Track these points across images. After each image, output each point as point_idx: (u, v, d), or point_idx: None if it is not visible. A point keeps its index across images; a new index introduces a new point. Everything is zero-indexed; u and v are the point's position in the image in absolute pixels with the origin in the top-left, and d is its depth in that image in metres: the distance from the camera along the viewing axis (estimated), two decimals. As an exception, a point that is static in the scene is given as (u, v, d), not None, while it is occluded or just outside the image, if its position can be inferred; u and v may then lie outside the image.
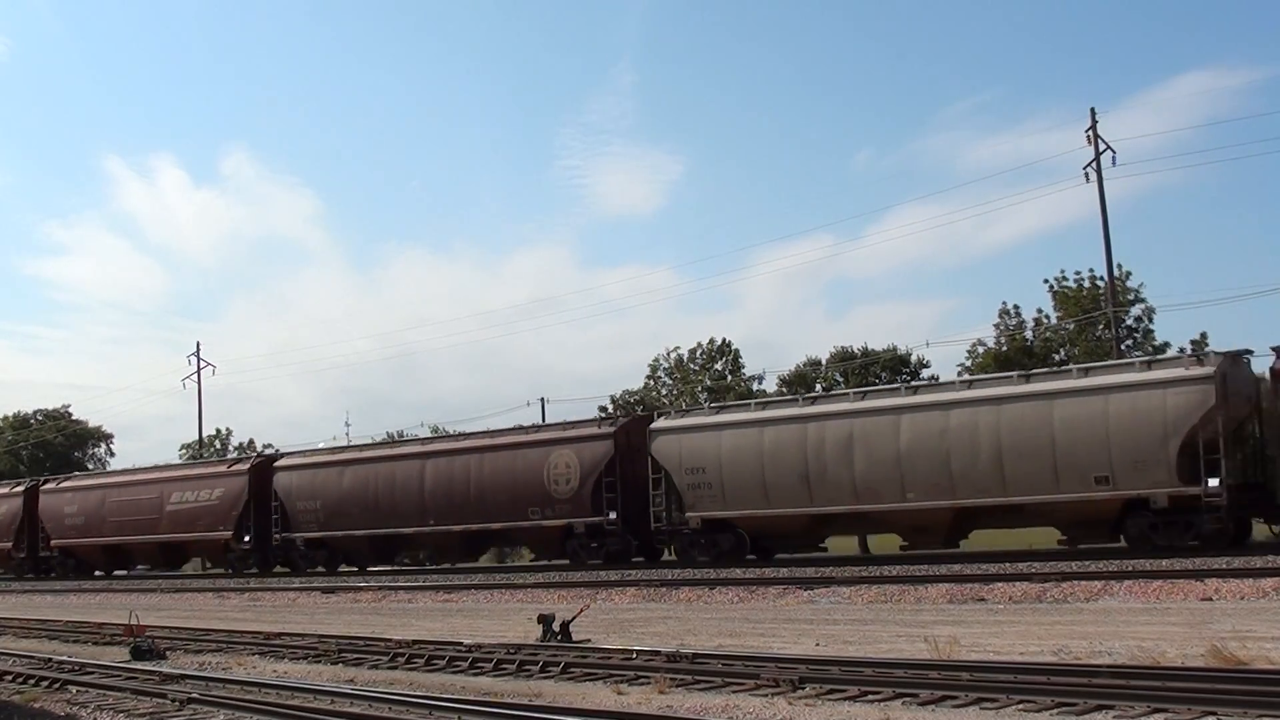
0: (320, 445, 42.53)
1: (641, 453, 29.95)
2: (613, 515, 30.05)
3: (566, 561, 31.98)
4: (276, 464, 38.43)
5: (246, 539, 38.17)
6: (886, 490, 25.94)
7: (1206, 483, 22.41)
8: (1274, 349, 23.88)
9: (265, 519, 37.87)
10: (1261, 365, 24.37)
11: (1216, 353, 24.29)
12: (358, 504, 35.31)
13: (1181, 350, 44.44)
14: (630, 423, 31.71)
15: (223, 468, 41.29)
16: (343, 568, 37.55)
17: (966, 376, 35.61)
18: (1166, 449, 22.73)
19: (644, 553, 31.42)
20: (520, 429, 34.36)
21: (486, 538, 34.72)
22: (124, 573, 45.55)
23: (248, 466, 39.39)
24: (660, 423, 30.19)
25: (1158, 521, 23.29)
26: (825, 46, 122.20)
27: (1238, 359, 24.33)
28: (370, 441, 44.40)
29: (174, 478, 41.66)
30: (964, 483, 24.98)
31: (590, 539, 30.82)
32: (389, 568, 37.93)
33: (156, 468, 45.76)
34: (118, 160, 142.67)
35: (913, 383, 33.41)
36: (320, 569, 37.00)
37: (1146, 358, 30.21)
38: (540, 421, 42.19)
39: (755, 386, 56.95)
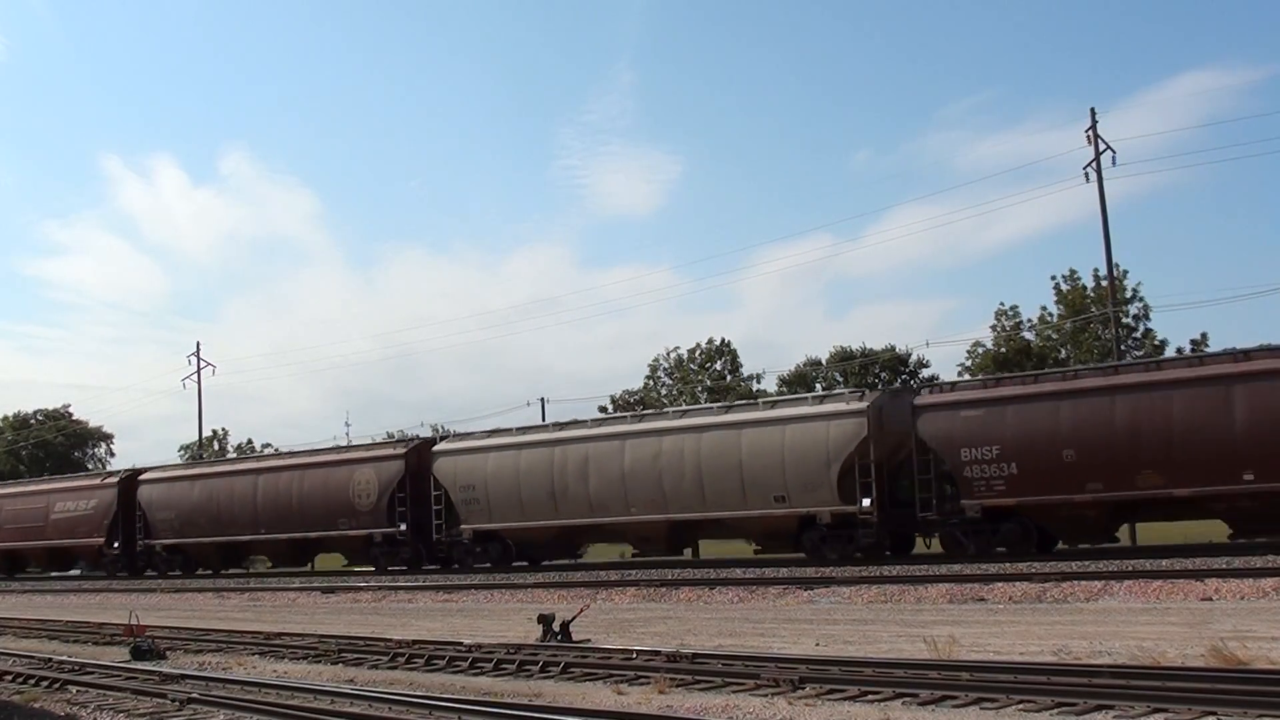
0: (232, 455, 45.55)
1: (428, 471, 33.80)
2: (403, 526, 34.01)
3: (372, 568, 35.77)
4: (141, 478, 42.33)
5: (115, 544, 42.25)
6: (614, 505, 29.89)
7: (861, 502, 26.05)
8: (919, 386, 28.25)
9: (131, 527, 41.89)
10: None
11: (877, 389, 30.16)
12: (205, 514, 39.33)
13: (1180, 350, 44.54)
14: (420, 445, 35.29)
15: (96, 480, 45.30)
16: (199, 571, 41.40)
17: (683, 406, 40.61)
18: (829, 473, 26.38)
19: (434, 559, 34.77)
20: (334, 449, 38.90)
21: (308, 545, 38.12)
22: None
23: (116, 480, 43.16)
24: (441, 445, 34.24)
25: (827, 535, 26.71)
26: (824, 46, 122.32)
27: (898, 394, 28.94)
28: (244, 455, 49.94)
29: (57, 489, 45.72)
30: (674, 500, 28.87)
31: (389, 546, 34.77)
32: (238, 571, 41.59)
33: (40, 479, 52.03)
34: (116, 160, 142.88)
35: (640, 411, 37.33)
36: (178, 572, 40.83)
37: (819, 394, 34.21)
38: (546, 419, 45.44)
39: (754, 386, 57.03)
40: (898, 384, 48.41)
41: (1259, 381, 22.45)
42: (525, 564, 33.15)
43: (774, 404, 30.14)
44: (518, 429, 34.50)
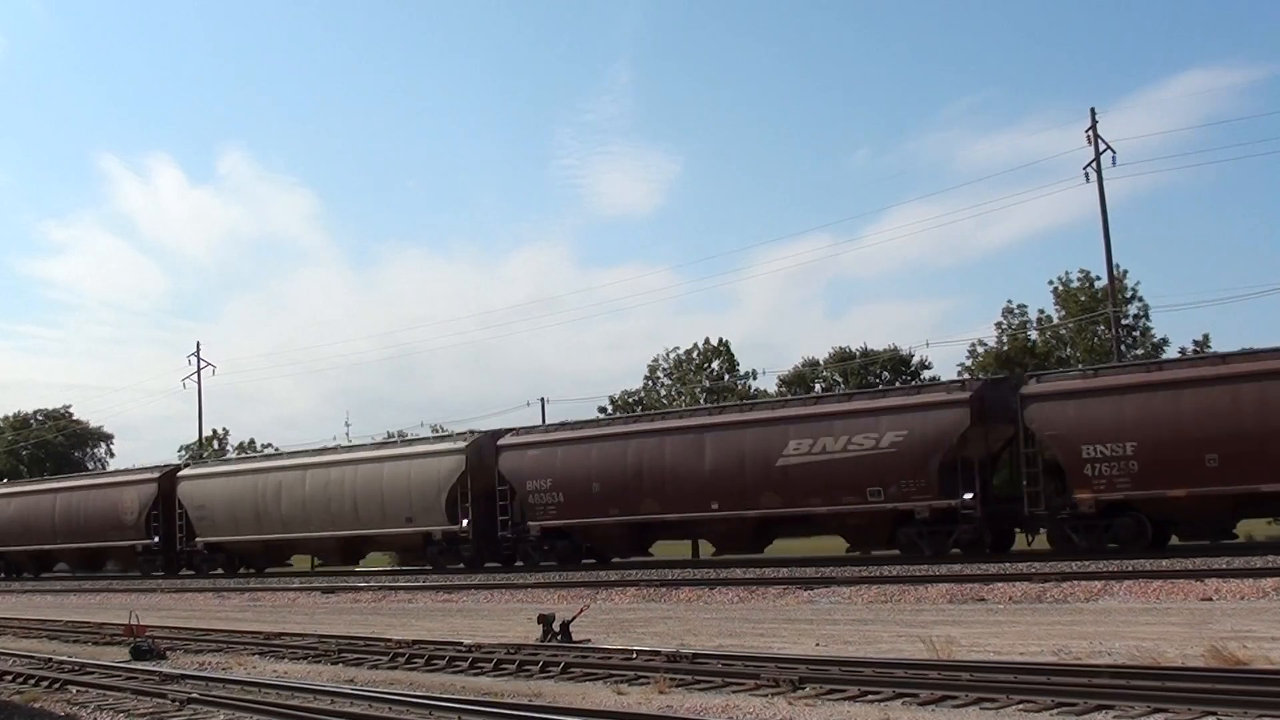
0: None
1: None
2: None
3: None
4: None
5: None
6: (297, 524, 37.27)
7: (462, 523, 33.30)
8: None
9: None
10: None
11: (467, 432, 36.01)
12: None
13: (1183, 350, 44.53)
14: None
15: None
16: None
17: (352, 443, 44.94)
18: (440, 499, 33.47)
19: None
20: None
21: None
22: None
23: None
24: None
25: (446, 547, 34.04)
26: (822, 45, 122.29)
27: (491, 437, 34.26)
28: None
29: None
30: (340, 520, 36.08)
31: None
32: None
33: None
34: (114, 159, 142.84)
35: (326, 446, 41.97)
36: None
37: (442, 434, 41.40)
38: (547, 419, 45.96)
39: (751, 386, 57.06)
40: (897, 384, 48.38)
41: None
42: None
43: (410, 443, 38.69)
44: (259, 455, 38.31)
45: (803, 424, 27.57)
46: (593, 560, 32.23)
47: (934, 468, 25.43)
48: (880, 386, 34.03)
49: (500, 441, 33.45)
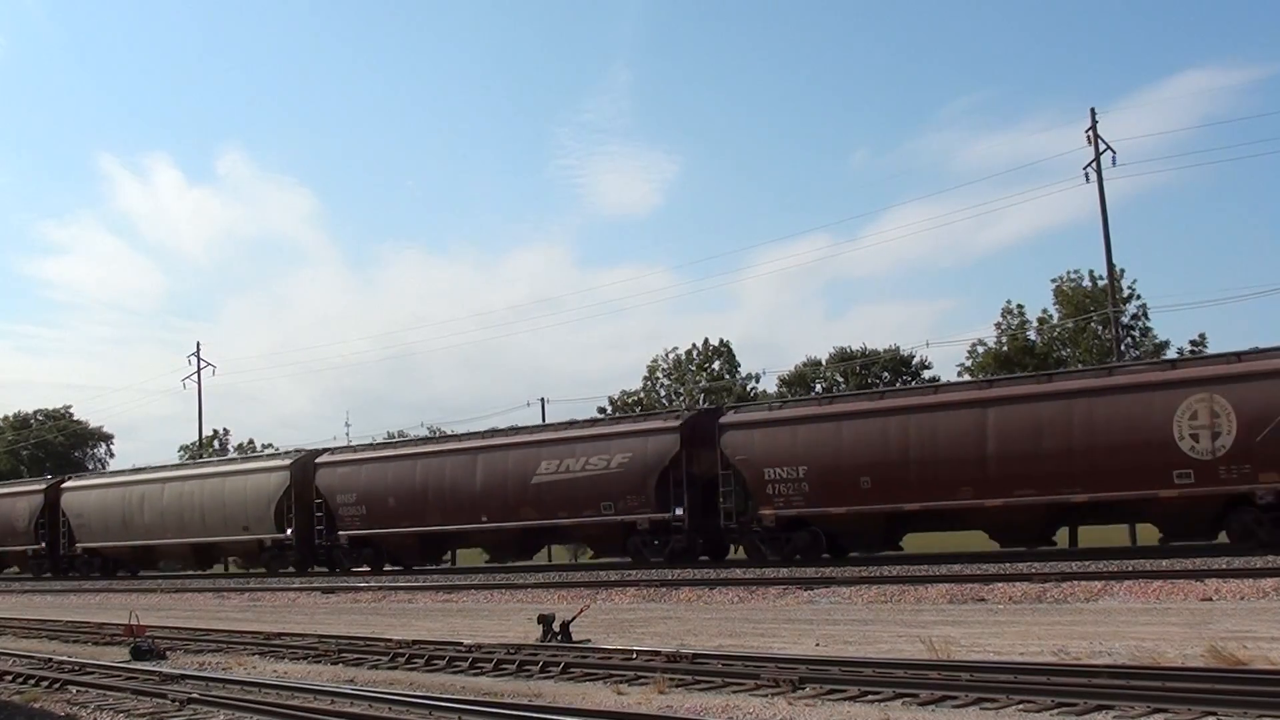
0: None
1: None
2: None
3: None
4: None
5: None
6: (157, 532, 41.20)
7: (287, 531, 36.93)
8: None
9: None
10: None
11: (294, 450, 39.79)
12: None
13: (1180, 350, 44.54)
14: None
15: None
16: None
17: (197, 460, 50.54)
18: (270, 510, 37.30)
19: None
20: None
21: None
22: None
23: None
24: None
25: (276, 553, 37.80)
26: (821, 45, 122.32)
27: (312, 456, 37.81)
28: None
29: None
30: (191, 528, 40.07)
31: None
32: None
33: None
34: (112, 159, 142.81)
35: (184, 461, 48.53)
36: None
37: (274, 453, 45.85)
38: (547, 419, 44.58)
39: (753, 386, 57.11)
40: (898, 384, 48.43)
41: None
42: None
43: (247, 459, 46.42)
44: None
45: (553, 447, 31.43)
46: (399, 567, 35.92)
47: (652, 485, 29.18)
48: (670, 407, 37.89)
49: (318, 460, 37.26)
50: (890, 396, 29.58)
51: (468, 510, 32.71)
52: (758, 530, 28.25)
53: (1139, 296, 48.03)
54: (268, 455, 44.63)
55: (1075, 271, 49.60)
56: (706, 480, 29.13)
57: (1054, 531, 26.78)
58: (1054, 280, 49.87)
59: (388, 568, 35.82)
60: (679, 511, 28.92)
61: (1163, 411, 23.32)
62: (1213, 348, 43.70)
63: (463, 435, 36.96)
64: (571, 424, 33.76)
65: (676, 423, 29.93)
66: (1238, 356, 23.78)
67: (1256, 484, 22.27)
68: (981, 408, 25.86)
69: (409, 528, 34.29)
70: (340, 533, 35.72)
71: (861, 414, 27.35)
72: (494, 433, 34.84)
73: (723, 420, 29.22)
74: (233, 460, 44.72)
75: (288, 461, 38.25)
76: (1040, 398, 25.33)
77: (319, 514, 36.45)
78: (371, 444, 40.09)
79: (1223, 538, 24.03)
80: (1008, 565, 23.06)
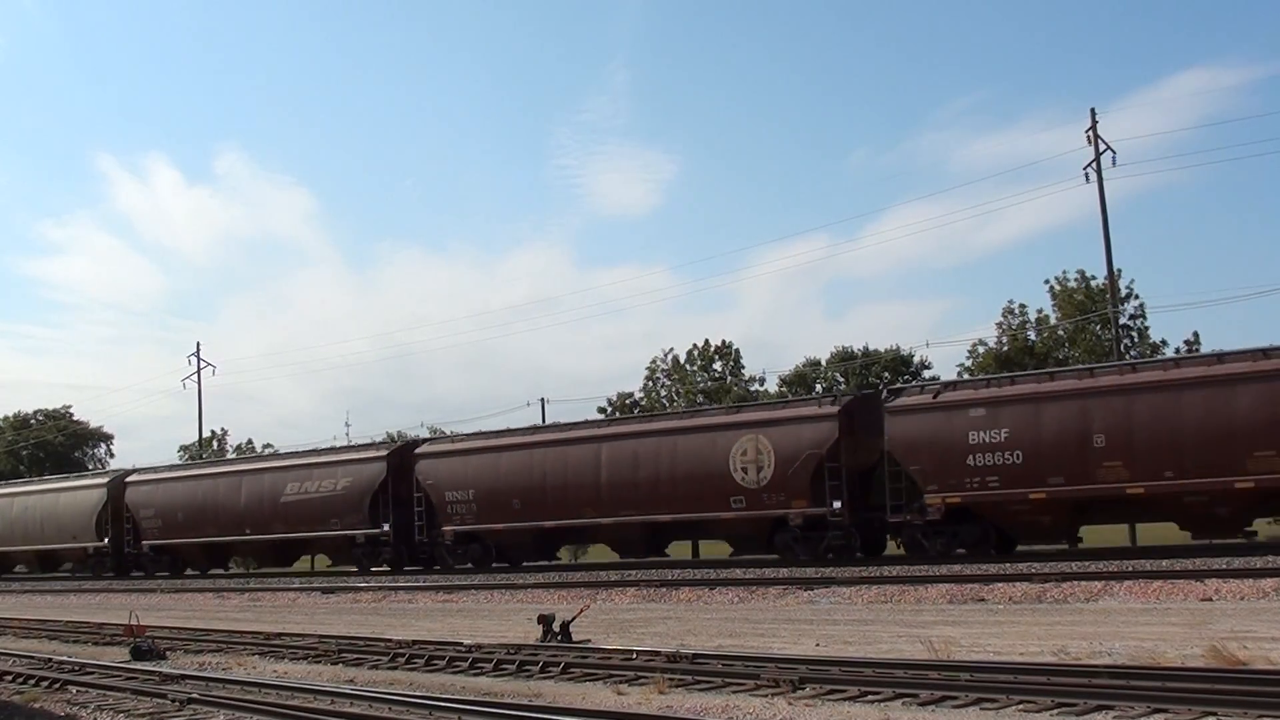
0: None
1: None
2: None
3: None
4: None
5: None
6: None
7: (104, 540, 43.29)
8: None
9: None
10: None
11: (118, 469, 47.55)
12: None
13: (1177, 350, 44.56)
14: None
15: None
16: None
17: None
18: (92, 522, 43.43)
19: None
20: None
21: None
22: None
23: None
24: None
25: (99, 560, 43.62)
26: (820, 44, 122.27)
27: (122, 477, 43.93)
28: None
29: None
30: (33, 537, 45.68)
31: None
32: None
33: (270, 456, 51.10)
34: (110, 159, 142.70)
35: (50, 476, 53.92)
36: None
37: (97, 471, 54.59)
38: (548, 419, 45.31)
39: (755, 388, 57.07)
40: (899, 384, 48.41)
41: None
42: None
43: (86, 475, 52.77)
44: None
45: (296, 471, 37.95)
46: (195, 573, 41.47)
47: (367, 505, 35.13)
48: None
49: (127, 479, 43.93)
50: (536, 433, 34.43)
51: (236, 524, 39.16)
52: (443, 543, 33.92)
53: (1137, 296, 48.06)
54: (93, 473, 50.81)
55: (1077, 272, 49.61)
56: (405, 501, 34.93)
57: (663, 546, 32.02)
58: (1046, 282, 49.91)
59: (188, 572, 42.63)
60: (386, 527, 34.93)
61: (723, 449, 28.46)
62: (1211, 347, 43.61)
63: (255, 456, 46.26)
64: (311, 452, 40.26)
65: (384, 453, 36.46)
66: (783, 404, 31.05)
67: (790, 509, 27.55)
68: (598, 443, 31.31)
69: (196, 539, 40.82)
70: (143, 541, 42.54)
71: (513, 447, 33.19)
72: (255, 457, 45.29)
73: (418, 451, 35.49)
74: (324, 452, 40.12)
75: (104, 480, 44.94)
76: (639, 435, 31.07)
77: (126, 525, 43.24)
78: (178, 465, 50.70)
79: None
80: (1008, 565, 23.07)
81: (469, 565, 33.54)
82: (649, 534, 30.54)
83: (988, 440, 25.36)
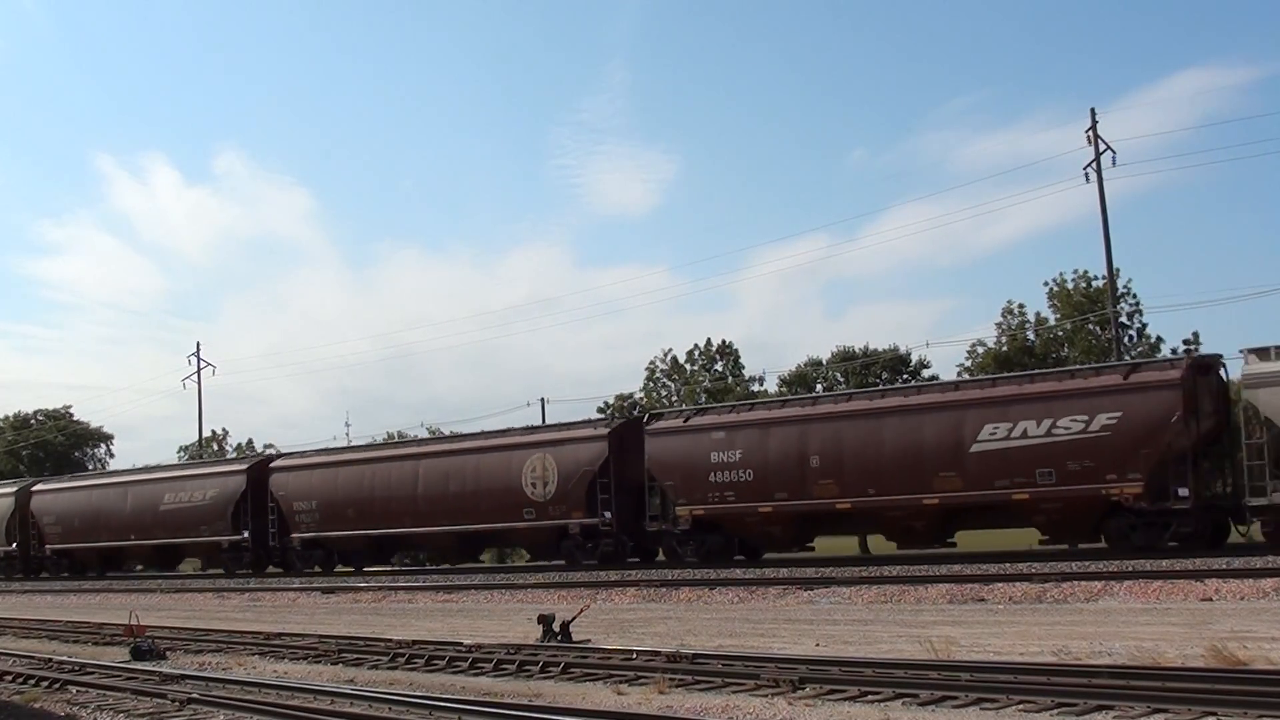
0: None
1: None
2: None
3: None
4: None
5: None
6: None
7: (12, 545, 46.58)
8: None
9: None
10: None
11: (19, 481, 50.90)
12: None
13: (1174, 350, 44.57)
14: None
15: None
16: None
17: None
18: (2, 526, 46.79)
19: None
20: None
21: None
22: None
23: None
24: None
25: (7, 563, 47.24)
26: (819, 44, 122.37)
27: (29, 485, 48.17)
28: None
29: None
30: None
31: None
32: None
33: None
34: (109, 159, 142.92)
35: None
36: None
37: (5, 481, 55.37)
38: (546, 419, 45.79)
39: (755, 387, 57.11)
40: (898, 384, 48.41)
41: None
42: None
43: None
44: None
45: (175, 483, 41.59)
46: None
47: (230, 514, 38.87)
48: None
49: (32, 489, 47.16)
50: (368, 450, 39.08)
51: (124, 530, 42.87)
52: (293, 548, 37.43)
53: (1134, 296, 48.08)
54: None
55: (1073, 272, 49.66)
56: (262, 510, 38.61)
57: (476, 553, 36.80)
58: (1046, 284, 49.94)
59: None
60: (245, 534, 38.73)
61: (517, 466, 31.86)
62: (1212, 348, 43.66)
63: (121, 471, 50.27)
64: (186, 464, 48.10)
65: (244, 467, 40.36)
66: (566, 426, 33.72)
67: (570, 519, 30.93)
68: (416, 460, 35.26)
69: (90, 543, 44.22)
70: (46, 546, 45.97)
71: (349, 463, 37.02)
72: (140, 469, 47.67)
73: (272, 465, 39.27)
74: (195, 465, 46.38)
75: (12, 489, 48.26)
76: (450, 454, 34.79)
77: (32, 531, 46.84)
78: (78, 474, 55.85)
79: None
80: (1008, 565, 23.06)
81: (316, 569, 37.84)
82: (460, 542, 34.99)
83: (726, 460, 28.43)
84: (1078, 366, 34.31)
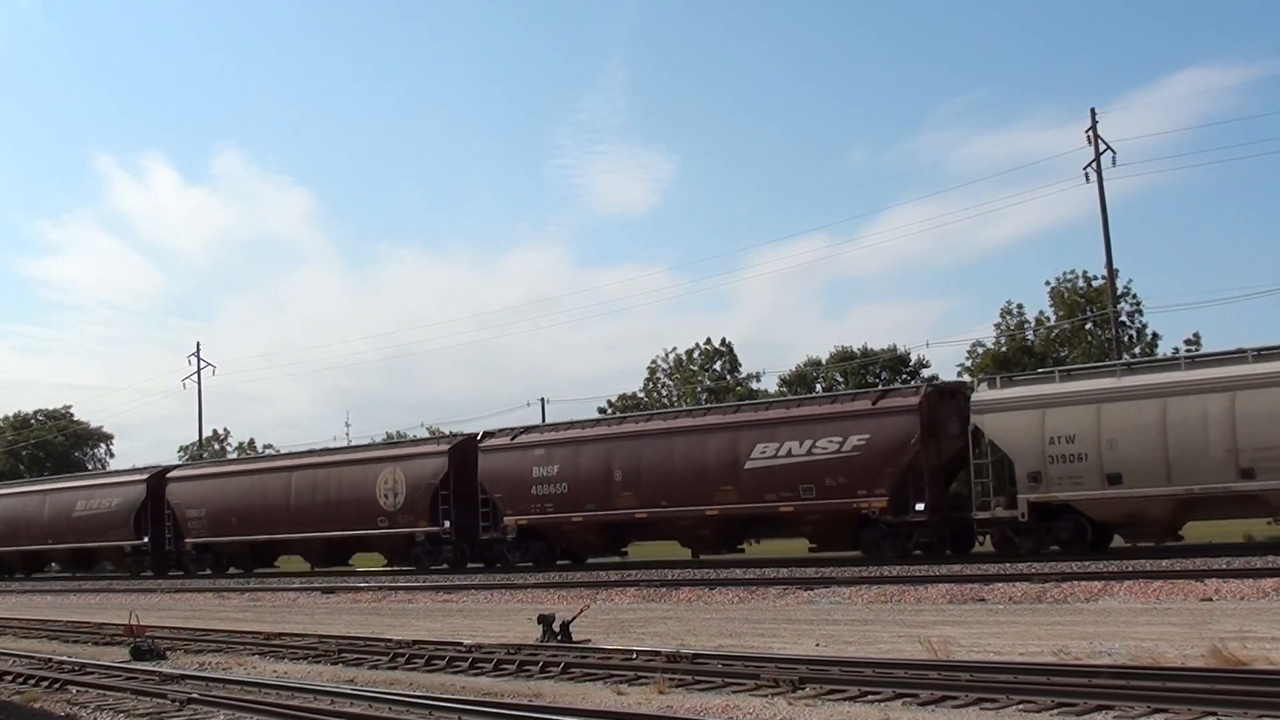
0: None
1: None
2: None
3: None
4: None
5: None
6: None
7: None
8: None
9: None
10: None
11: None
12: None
13: (1176, 350, 44.55)
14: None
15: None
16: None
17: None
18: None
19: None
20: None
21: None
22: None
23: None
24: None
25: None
26: (819, 43, 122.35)
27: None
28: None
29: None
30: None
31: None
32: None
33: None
34: (108, 159, 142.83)
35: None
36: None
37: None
38: (546, 419, 45.63)
39: (755, 385, 57.17)
40: (897, 384, 48.46)
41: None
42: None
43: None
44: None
45: (85, 491, 44.82)
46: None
47: (132, 520, 41.95)
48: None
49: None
50: (248, 463, 43.48)
51: (43, 535, 45.86)
52: (187, 552, 40.68)
53: (1134, 296, 48.08)
54: None
55: (1070, 272, 49.69)
56: (160, 517, 41.69)
57: (345, 557, 39.04)
58: (1048, 283, 49.96)
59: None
60: (145, 539, 41.68)
61: (372, 478, 35.18)
62: (1213, 348, 43.60)
63: (40, 479, 53.62)
64: (96, 474, 52.21)
65: (144, 477, 42.82)
66: (414, 443, 38.73)
67: (416, 528, 34.19)
68: (289, 472, 38.75)
69: (12, 547, 47.17)
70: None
71: (233, 474, 40.87)
72: (55, 478, 51.23)
73: (168, 476, 42.28)
74: (103, 475, 51.10)
75: None
76: (317, 466, 38.11)
77: None
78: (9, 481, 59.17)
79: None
80: (1008, 565, 23.05)
81: (208, 571, 40.81)
82: (327, 547, 38.07)
83: (545, 475, 31.51)
84: (838, 393, 37.94)
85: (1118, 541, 25.47)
